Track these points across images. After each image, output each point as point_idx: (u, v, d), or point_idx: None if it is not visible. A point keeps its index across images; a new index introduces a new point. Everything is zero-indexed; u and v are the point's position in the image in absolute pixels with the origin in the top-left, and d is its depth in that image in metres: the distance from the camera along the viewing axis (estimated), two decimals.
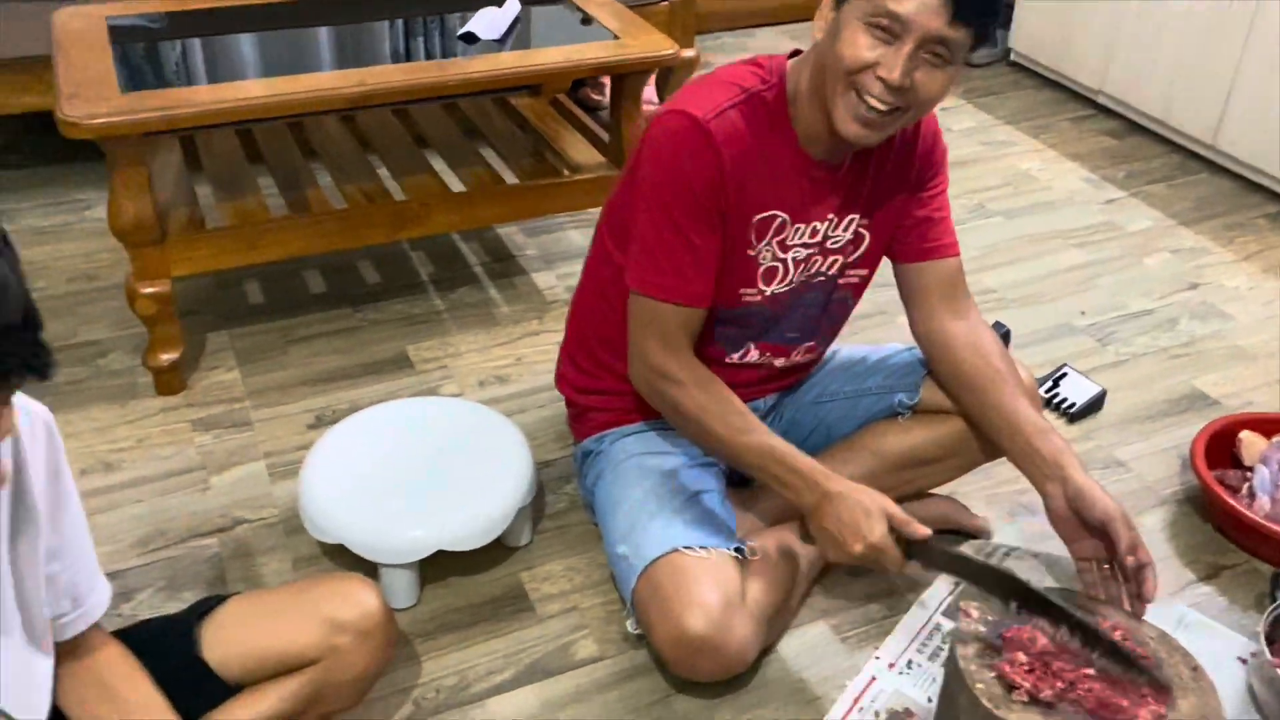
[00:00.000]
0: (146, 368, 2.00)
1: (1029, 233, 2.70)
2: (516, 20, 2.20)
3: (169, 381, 2.00)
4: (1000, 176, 2.96)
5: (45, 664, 1.11)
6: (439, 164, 2.32)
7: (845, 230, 1.54)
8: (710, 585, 1.40)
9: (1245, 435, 1.83)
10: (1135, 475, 1.91)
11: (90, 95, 1.74)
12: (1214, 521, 1.80)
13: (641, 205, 1.45)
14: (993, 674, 1.30)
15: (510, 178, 2.27)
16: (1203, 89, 2.94)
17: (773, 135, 1.43)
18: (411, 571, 1.58)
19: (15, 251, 0.84)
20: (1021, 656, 1.31)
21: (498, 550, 1.67)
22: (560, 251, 2.54)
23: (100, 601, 1.18)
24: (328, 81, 1.85)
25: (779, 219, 1.48)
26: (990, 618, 1.36)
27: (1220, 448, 1.83)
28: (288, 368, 2.12)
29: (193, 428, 1.95)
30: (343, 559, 1.65)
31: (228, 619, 1.28)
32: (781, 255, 1.51)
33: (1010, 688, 1.28)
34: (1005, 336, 2.23)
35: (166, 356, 1.97)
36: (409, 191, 2.13)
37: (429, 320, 2.28)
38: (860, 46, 1.28)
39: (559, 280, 2.44)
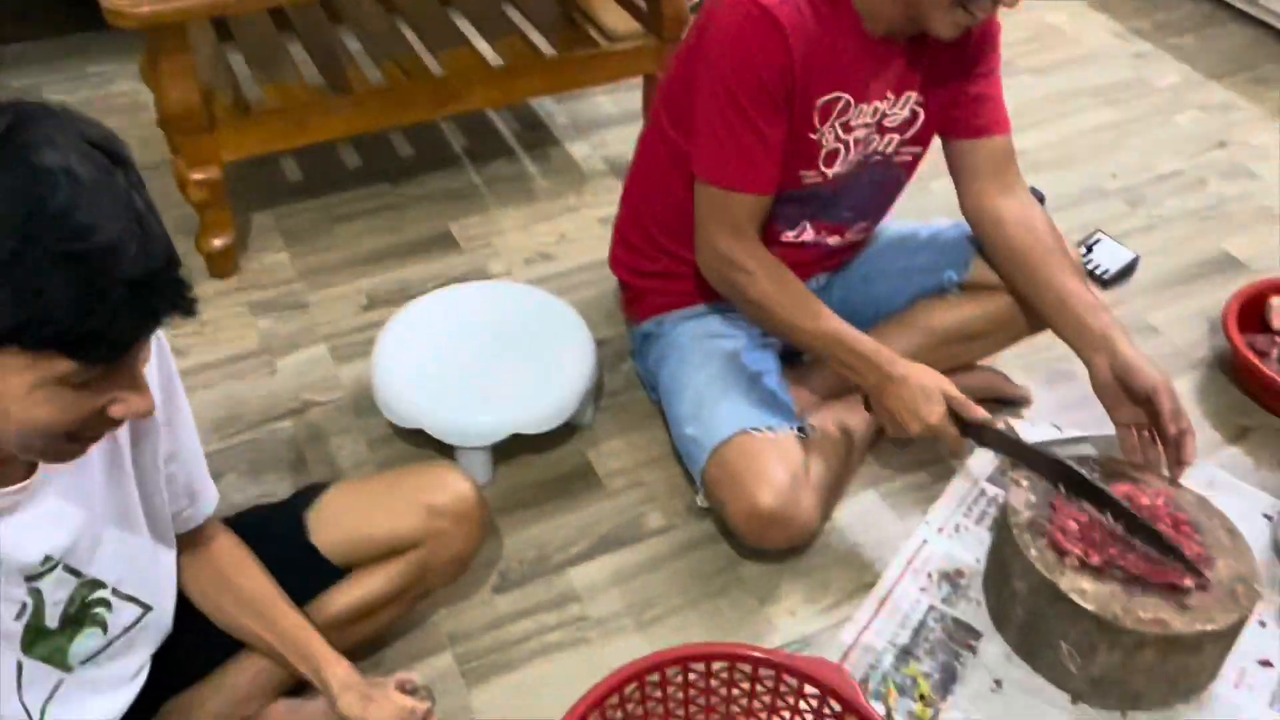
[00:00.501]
0: (199, 252, 2.03)
1: (1058, 90, 2.69)
2: None
3: (222, 265, 2.04)
4: (1028, 30, 2.92)
5: (169, 556, 1.19)
6: (467, 29, 2.29)
7: (902, 108, 1.56)
8: (778, 463, 1.48)
9: (1275, 300, 1.90)
10: (1166, 339, 1.99)
11: None
12: (1242, 385, 1.88)
13: (707, 93, 1.46)
14: (1044, 541, 1.41)
15: (544, 47, 2.24)
16: None
17: (835, 17, 1.44)
18: (486, 453, 1.66)
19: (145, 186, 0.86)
20: (1072, 524, 1.41)
21: (563, 429, 1.75)
22: (591, 120, 2.54)
23: (212, 496, 1.26)
24: None
25: (842, 100, 1.49)
26: (1040, 488, 1.46)
27: (1250, 312, 1.90)
28: (335, 248, 2.15)
29: (250, 311, 2.00)
30: (415, 439, 1.73)
31: (332, 507, 1.36)
32: (844, 136, 1.53)
33: (1061, 554, 1.39)
34: (1039, 200, 2.26)
35: (219, 241, 2.00)
36: (446, 66, 2.11)
37: (468, 196, 2.29)
38: None
39: (593, 150, 2.44)
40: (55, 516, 1.03)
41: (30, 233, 0.77)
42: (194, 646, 1.26)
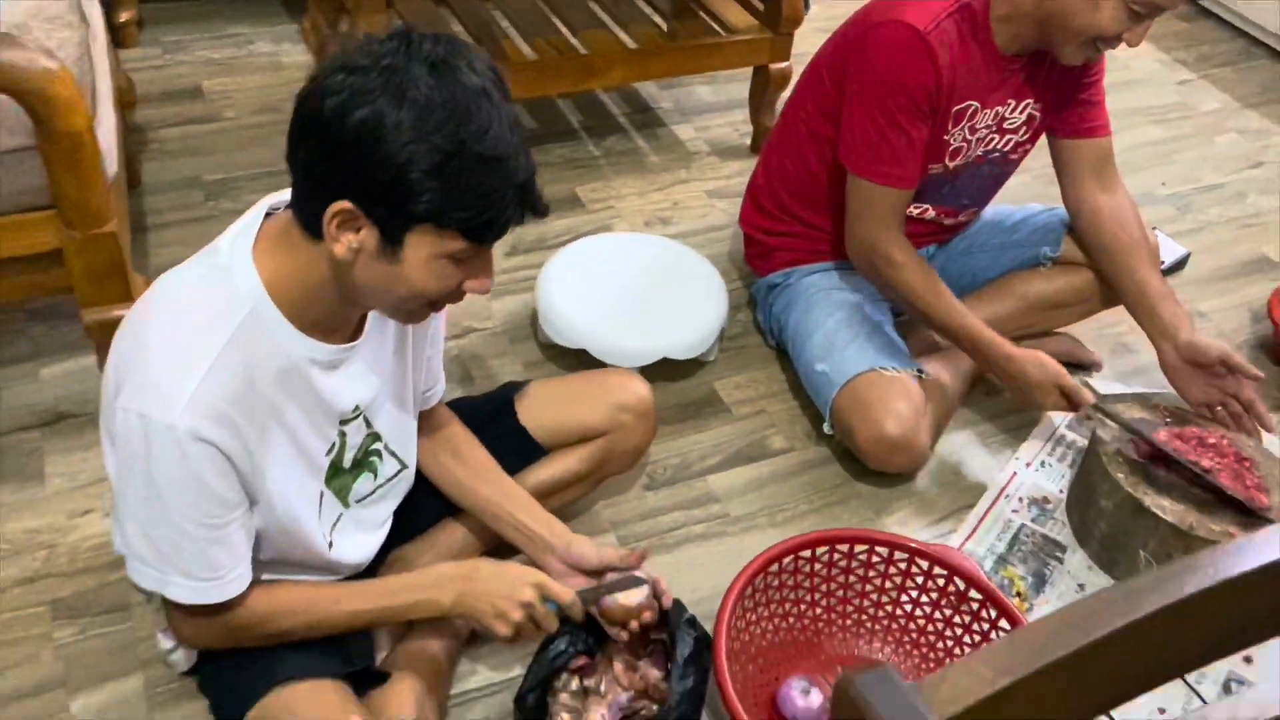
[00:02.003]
0: None
1: (1113, 109, 2.95)
2: None
3: None
4: None
5: (414, 424, 1.43)
6: (601, 15, 2.54)
7: (1021, 113, 1.81)
8: (901, 397, 1.73)
9: None
10: (1214, 325, 2.25)
11: None
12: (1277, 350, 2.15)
13: (861, 99, 1.70)
14: (1128, 466, 1.67)
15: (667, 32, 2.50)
16: None
17: (976, 41, 1.69)
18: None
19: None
20: (1163, 435, 1.67)
21: (691, 364, 1.99)
22: (693, 106, 2.79)
23: (443, 382, 1.49)
24: None
25: (972, 107, 1.75)
26: (1124, 434, 1.71)
27: None
28: None
29: None
30: (564, 362, 1.96)
31: (536, 397, 1.59)
32: (969, 137, 1.79)
33: (1146, 478, 1.65)
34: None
35: None
36: (588, 46, 2.35)
37: (588, 165, 2.54)
38: (1121, 23, 1.58)
39: (696, 133, 2.69)
40: (363, 375, 1.27)
41: (462, 138, 1.01)
42: (413, 509, 1.50)
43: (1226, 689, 1.56)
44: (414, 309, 1.16)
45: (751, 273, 2.10)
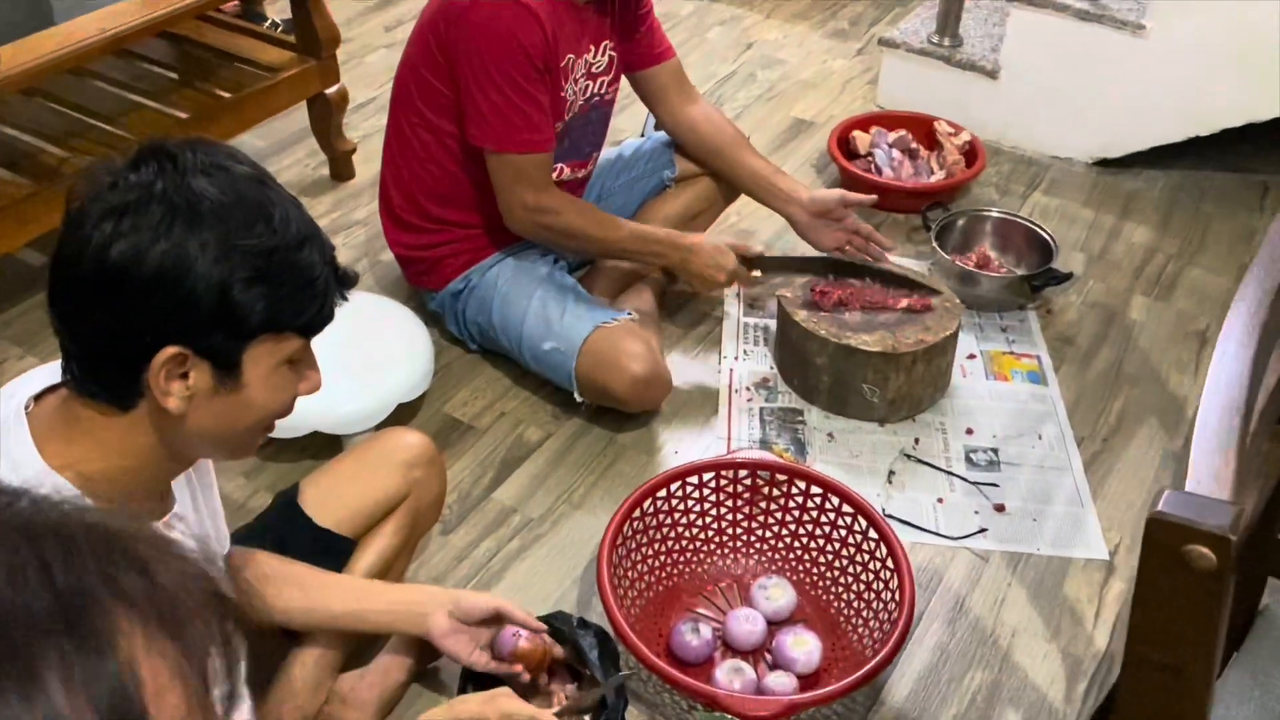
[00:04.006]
0: None
1: None
2: None
3: None
4: None
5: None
6: (139, 98, 2.31)
7: (603, 55, 1.97)
8: (635, 341, 1.86)
9: (855, 134, 2.59)
10: None
11: None
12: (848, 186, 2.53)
13: (481, 75, 1.76)
14: (821, 316, 1.93)
15: (222, 92, 2.33)
16: None
17: None
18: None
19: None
20: (835, 294, 1.95)
21: (415, 401, 1.95)
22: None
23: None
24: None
25: (569, 59, 1.87)
26: (798, 293, 1.98)
27: (840, 148, 2.56)
28: None
29: None
30: (303, 445, 1.84)
31: (319, 492, 1.50)
32: (575, 89, 1.91)
33: (840, 326, 1.92)
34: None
35: None
36: (136, 131, 2.15)
37: None
38: None
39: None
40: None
41: (270, 235, 0.94)
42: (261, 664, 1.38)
43: None
44: (253, 438, 1.07)
45: (423, 290, 2.09)
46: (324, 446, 1.82)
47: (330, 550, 1.48)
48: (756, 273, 1.96)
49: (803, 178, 2.62)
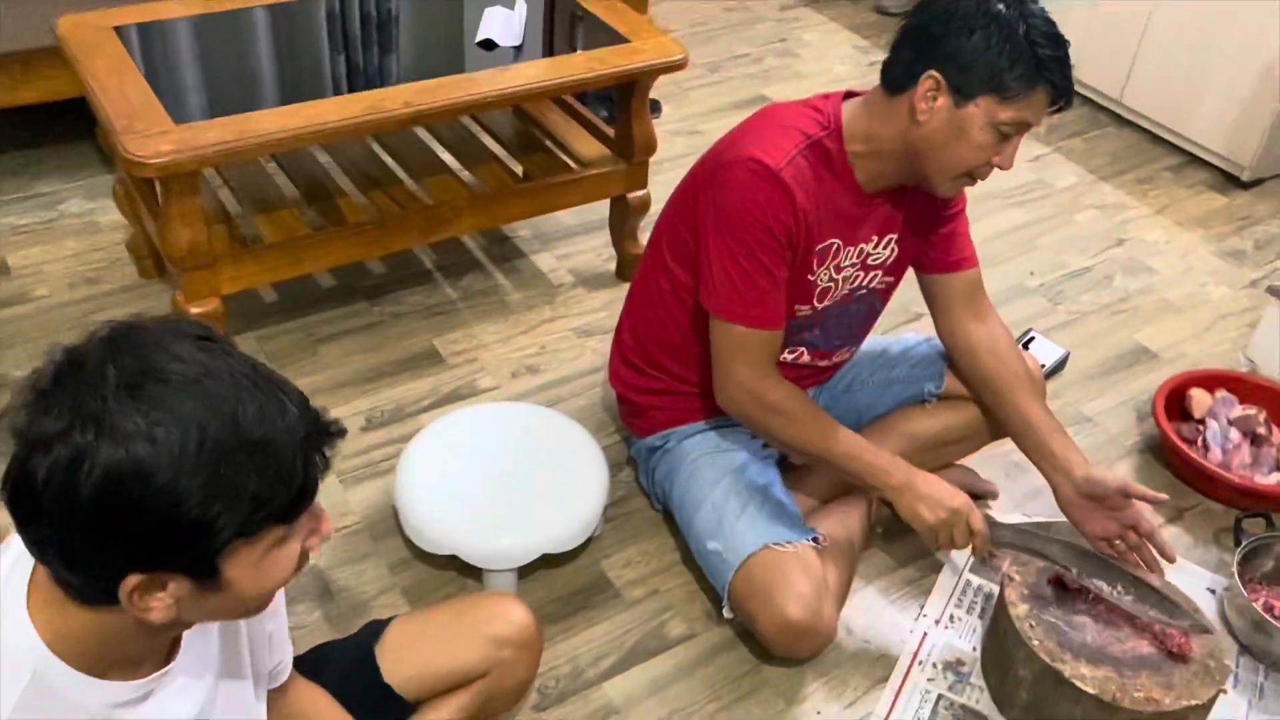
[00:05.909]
0: None
1: (972, 194, 2.93)
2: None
3: None
4: None
5: (263, 709, 1.24)
6: (448, 158, 2.39)
7: (885, 248, 1.74)
8: (802, 577, 1.61)
9: (1194, 392, 2.15)
10: (1102, 429, 2.21)
11: (145, 128, 1.76)
12: (1174, 469, 2.11)
13: (718, 240, 1.60)
14: (1042, 630, 1.58)
15: (518, 170, 2.36)
16: (1113, 45, 3.22)
17: (833, 177, 1.61)
18: (514, 573, 1.74)
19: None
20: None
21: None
22: (552, 231, 2.66)
23: (291, 651, 1.31)
24: (376, 101, 1.90)
25: (834, 245, 1.66)
26: (1030, 582, 1.64)
27: (1174, 403, 2.14)
28: (323, 370, 2.20)
29: None
30: (437, 561, 1.79)
31: (399, 642, 1.42)
32: (835, 276, 1.70)
33: (1059, 638, 1.56)
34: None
35: None
36: (434, 195, 2.20)
37: (446, 311, 2.38)
38: (989, 149, 1.51)
39: (558, 262, 2.56)
40: (186, 689, 1.07)
41: (215, 454, 0.83)
42: None
43: None
44: (259, 607, 0.99)
45: (629, 433, 1.96)
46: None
47: (386, 710, 1.40)
48: (988, 544, 1.62)
49: (1115, 421, 2.23)
